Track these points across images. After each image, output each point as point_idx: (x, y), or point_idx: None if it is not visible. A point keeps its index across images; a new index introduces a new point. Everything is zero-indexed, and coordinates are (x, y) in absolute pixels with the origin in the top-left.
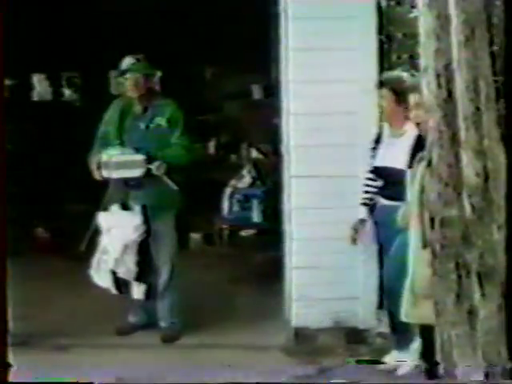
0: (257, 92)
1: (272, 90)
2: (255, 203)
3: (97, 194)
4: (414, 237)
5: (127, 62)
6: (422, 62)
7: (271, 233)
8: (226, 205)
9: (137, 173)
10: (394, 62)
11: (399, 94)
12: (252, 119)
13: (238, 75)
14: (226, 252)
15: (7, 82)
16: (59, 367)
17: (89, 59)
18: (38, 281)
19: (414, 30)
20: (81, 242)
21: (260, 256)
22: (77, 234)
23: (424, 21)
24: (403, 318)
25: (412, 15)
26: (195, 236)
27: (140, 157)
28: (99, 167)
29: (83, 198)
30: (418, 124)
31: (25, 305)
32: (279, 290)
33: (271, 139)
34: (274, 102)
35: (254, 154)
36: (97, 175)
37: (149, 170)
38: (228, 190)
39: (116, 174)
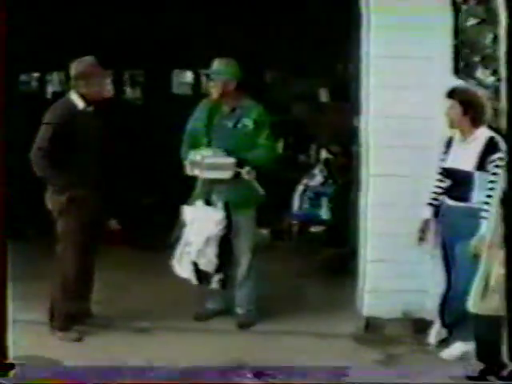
0: (324, 95)
1: (339, 94)
2: (325, 201)
3: (166, 188)
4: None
5: (217, 64)
6: (503, 71)
7: (339, 229)
8: (296, 202)
9: (226, 175)
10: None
11: (466, 105)
12: (319, 121)
13: (304, 79)
14: (296, 247)
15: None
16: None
17: (153, 58)
18: (112, 270)
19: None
20: (151, 233)
21: (328, 251)
22: (147, 226)
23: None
24: (471, 309)
25: (469, 23)
26: (264, 231)
27: (231, 160)
28: (192, 165)
29: (153, 192)
30: (491, 127)
31: (103, 292)
32: (347, 282)
33: (340, 140)
34: (341, 105)
35: (323, 154)
36: (189, 172)
37: (238, 173)
38: (300, 188)
39: (208, 175)
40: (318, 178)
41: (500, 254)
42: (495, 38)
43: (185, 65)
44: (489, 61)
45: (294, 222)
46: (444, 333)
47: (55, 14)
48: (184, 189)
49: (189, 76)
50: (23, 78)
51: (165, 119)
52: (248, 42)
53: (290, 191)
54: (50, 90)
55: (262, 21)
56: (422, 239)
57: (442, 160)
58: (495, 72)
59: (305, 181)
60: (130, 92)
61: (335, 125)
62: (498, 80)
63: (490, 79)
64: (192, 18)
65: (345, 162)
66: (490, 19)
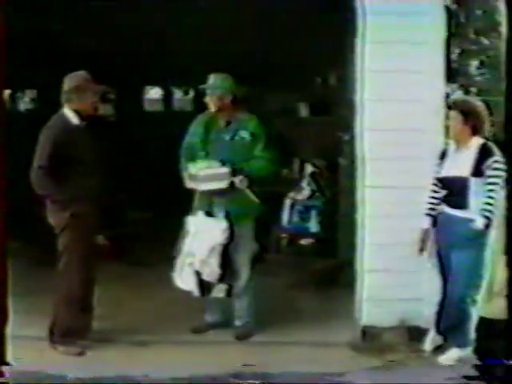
0: (303, 110)
1: (319, 108)
2: (314, 214)
3: (154, 203)
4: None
5: (213, 78)
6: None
7: (329, 241)
8: (285, 215)
9: (222, 185)
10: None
11: (467, 114)
12: (300, 136)
13: (283, 93)
14: (286, 259)
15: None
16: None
17: (124, 76)
18: (106, 285)
19: None
20: (138, 249)
21: (320, 263)
22: (134, 240)
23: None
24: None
25: None
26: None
27: (225, 170)
28: (189, 178)
29: (141, 206)
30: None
31: (100, 306)
32: (340, 293)
33: (323, 154)
34: (321, 119)
35: (308, 168)
36: (188, 185)
37: (233, 182)
38: (288, 202)
39: (204, 187)
40: (305, 191)
41: (503, 259)
42: (462, 52)
43: (156, 81)
44: (455, 74)
45: (284, 235)
46: (438, 340)
47: (26, 31)
48: (170, 204)
49: (159, 92)
50: None
51: (142, 135)
52: (224, 56)
53: (276, 205)
54: (22, 107)
55: (238, 35)
56: (422, 249)
57: (437, 171)
58: (462, 86)
59: (292, 194)
60: (102, 109)
61: (317, 139)
62: (466, 93)
63: (457, 93)
64: (165, 33)
65: (329, 175)
66: (456, 32)
